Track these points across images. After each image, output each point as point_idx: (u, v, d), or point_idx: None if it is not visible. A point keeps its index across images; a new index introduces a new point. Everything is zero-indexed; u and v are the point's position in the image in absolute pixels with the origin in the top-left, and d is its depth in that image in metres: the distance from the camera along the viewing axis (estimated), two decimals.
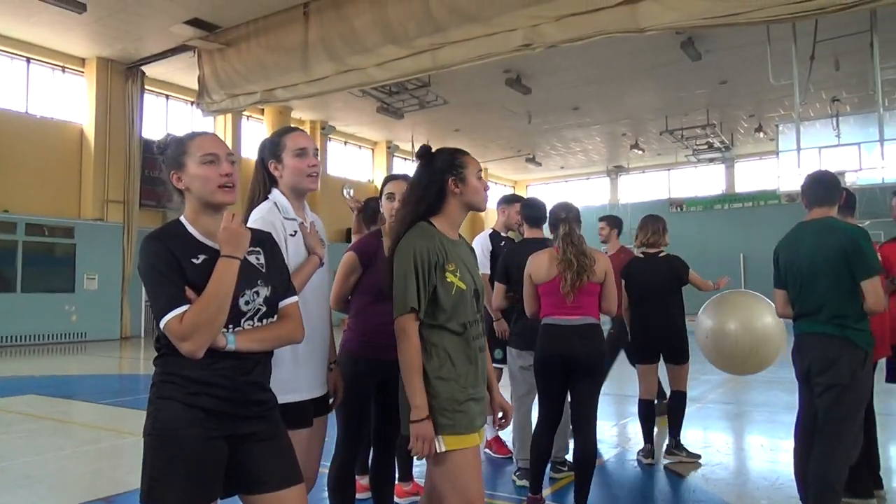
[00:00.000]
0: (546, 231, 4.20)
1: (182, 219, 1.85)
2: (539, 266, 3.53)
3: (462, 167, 2.27)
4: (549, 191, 29.06)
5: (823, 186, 3.18)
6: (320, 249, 2.39)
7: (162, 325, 1.68)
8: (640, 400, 4.69)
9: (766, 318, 4.27)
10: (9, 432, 5.62)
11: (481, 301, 2.32)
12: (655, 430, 4.73)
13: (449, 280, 2.17)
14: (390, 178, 3.04)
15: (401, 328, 2.15)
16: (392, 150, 23.37)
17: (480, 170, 2.33)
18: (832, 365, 2.94)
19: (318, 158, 2.46)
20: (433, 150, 2.34)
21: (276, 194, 2.37)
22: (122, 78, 15.16)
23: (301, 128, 2.87)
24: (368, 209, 3.70)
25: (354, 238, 4.31)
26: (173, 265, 1.72)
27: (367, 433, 2.90)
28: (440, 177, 2.26)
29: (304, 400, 2.29)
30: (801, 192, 3.25)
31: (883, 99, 11.26)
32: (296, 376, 2.25)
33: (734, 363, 4.47)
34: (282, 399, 1.96)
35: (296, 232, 2.34)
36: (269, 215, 2.29)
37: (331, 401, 2.51)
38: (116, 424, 5.98)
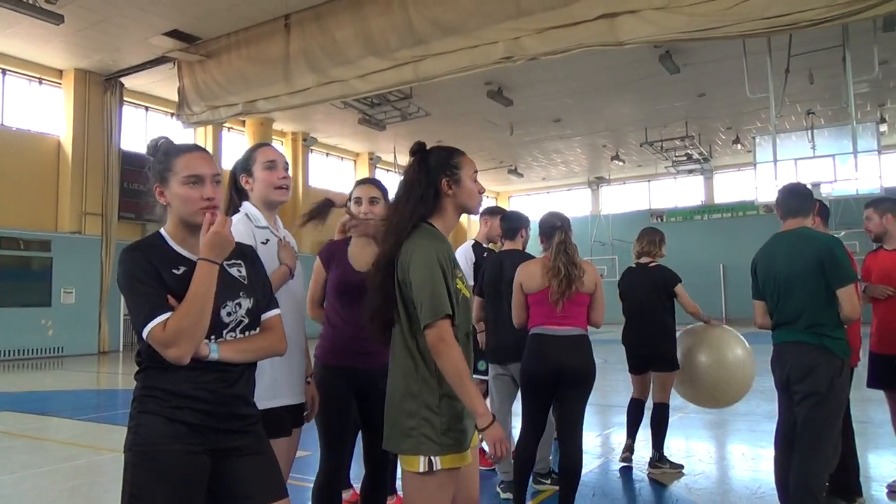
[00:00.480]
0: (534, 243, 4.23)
1: (162, 231, 1.84)
2: (531, 275, 3.51)
3: (457, 168, 2.15)
4: (532, 202, 29.22)
5: (797, 198, 3.24)
6: (290, 261, 2.41)
7: (145, 333, 1.66)
8: (631, 398, 4.82)
9: (736, 350, 4.40)
10: None
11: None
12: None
13: (458, 286, 2.05)
14: (359, 182, 2.93)
15: (438, 337, 1.94)
16: (374, 161, 23.38)
17: (476, 171, 2.21)
18: (810, 373, 2.97)
19: (290, 173, 2.50)
20: (427, 147, 2.22)
21: (247, 206, 2.43)
22: (101, 89, 15.02)
23: (273, 143, 2.89)
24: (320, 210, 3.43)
25: None
26: (153, 275, 1.71)
27: (351, 446, 2.86)
28: (434, 176, 2.13)
29: (281, 407, 2.30)
30: (776, 203, 3.31)
31: (856, 112, 11.48)
32: (272, 383, 2.25)
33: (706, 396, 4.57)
34: (259, 406, 1.95)
35: (268, 240, 2.37)
36: (239, 224, 2.32)
37: (305, 413, 2.50)
38: (93, 441, 5.87)
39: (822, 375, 2.96)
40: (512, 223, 4.25)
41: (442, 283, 1.99)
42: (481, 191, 2.21)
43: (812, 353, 2.99)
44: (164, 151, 1.83)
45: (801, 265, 3.04)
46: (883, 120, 17.42)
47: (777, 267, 3.15)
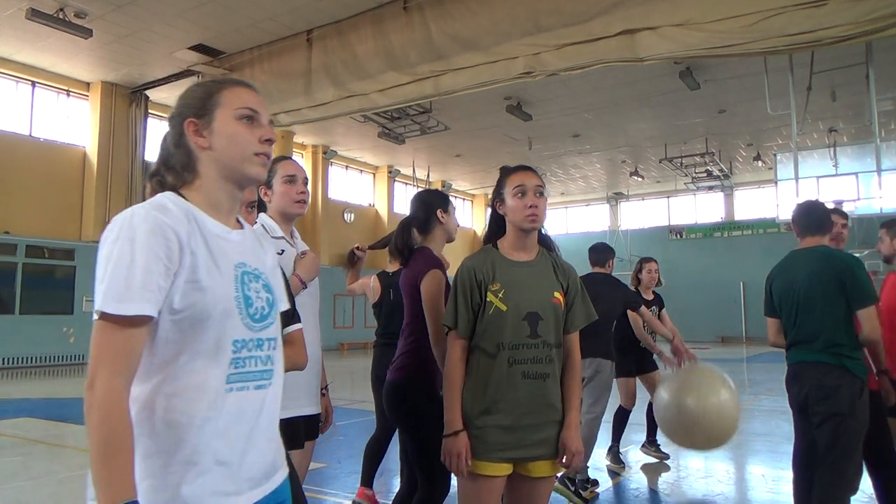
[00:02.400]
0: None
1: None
2: None
3: (502, 186, 2.26)
4: (550, 217, 29.11)
5: (815, 216, 3.21)
6: (306, 273, 2.43)
7: None
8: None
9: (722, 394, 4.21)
10: (1, 456, 5.57)
11: (543, 325, 2.14)
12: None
13: (489, 300, 2.14)
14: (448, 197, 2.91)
15: (444, 345, 2.24)
16: (393, 174, 23.50)
17: (521, 185, 2.18)
18: (832, 394, 2.92)
19: (308, 187, 2.53)
20: (505, 169, 2.35)
21: (262, 217, 2.47)
22: (126, 102, 15.31)
23: (293, 155, 2.92)
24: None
25: (354, 285, 4.35)
26: None
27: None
28: (492, 200, 2.32)
29: (296, 418, 2.30)
30: (792, 221, 3.28)
31: (879, 130, 11.35)
32: (287, 394, 2.26)
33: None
34: None
35: (283, 251, 2.40)
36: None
37: (320, 425, 2.52)
38: None
39: (844, 396, 2.90)
40: (600, 254, 4.87)
41: (453, 297, 2.17)
42: (530, 205, 2.17)
43: (833, 374, 2.94)
44: None
45: (822, 284, 3.00)
46: None
47: (796, 285, 3.10)
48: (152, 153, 15.66)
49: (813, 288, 3.03)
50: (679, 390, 4.12)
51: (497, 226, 2.29)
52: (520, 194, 2.17)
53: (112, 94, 15.16)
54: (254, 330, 1.27)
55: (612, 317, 4.63)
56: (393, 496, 2.89)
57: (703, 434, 4.09)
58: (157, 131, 16.58)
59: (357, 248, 3.77)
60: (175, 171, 1.33)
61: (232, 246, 1.29)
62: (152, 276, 1.14)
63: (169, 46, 12.63)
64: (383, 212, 23.37)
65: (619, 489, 4.68)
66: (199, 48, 12.54)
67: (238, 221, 1.39)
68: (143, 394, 1.16)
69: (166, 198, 1.26)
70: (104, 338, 1.13)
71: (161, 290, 1.15)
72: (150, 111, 15.75)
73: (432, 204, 2.80)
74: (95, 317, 1.15)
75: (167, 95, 15.66)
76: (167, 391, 1.17)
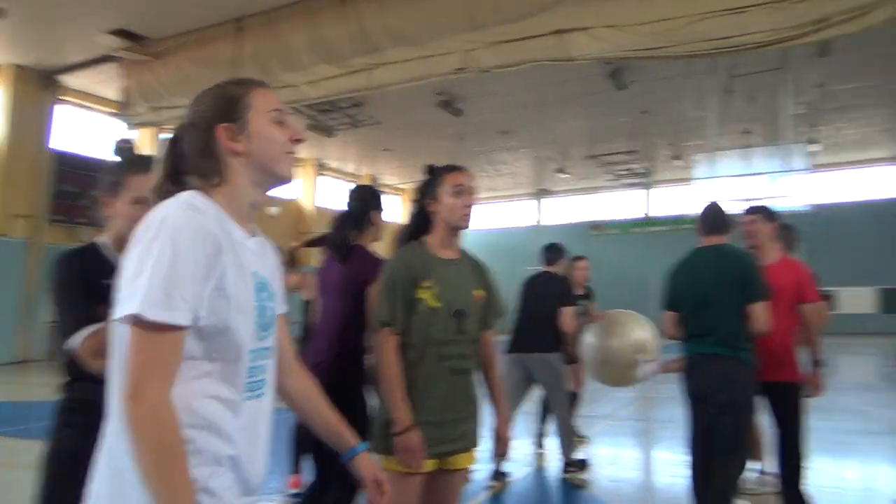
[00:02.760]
0: None
1: (97, 241, 1.83)
2: None
3: (435, 184, 2.22)
4: (477, 212, 29.30)
5: (717, 216, 3.40)
6: None
7: (72, 345, 1.62)
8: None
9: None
10: None
11: (468, 321, 2.19)
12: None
13: (420, 296, 2.12)
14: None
15: (377, 342, 2.14)
16: (321, 167, 23.11)
17: (461, 184, 2.21)
18: (730, 385, 3.12)
19: None
20: (436, 167, 2.30)
21: None
22: (37, 87, 14.38)
23: None
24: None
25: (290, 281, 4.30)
26: (82, 287, 1.69)
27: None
28: (420, 196, 2.27)
29: None
30: (697, 220, 3.47)
31: (790, 132, 12.02)
32: None
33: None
34: None
35: None
36: None
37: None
38: (7, 456, 5.54)
39: (741, 386, 3.12)
40: (551, 254, 5.20)
41: (385, 294, 2.13)
42: (466, 204, 2.21)
43: (730, 366, 3.13)
44: (118, 167, 1.88)
45: (724, 281, 3.19)
46: (815, 141, 18.23)
47: (700, 280, 3.28)
48: (65, 141, 14.86)
49: (716, 284, 3.22)
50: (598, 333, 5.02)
51: (421, 222, 2.27)
52: (458, 194, 2.20)
53: (22, 78, 14.18)
54: (259, 339, 1.25)
55: (553, 312, 4.78)
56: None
57: (609, 373, 4.89)
58: (69, 118, 15.72)
59: (293, 247, 3.74)
60: (200, 175, 1.29)
61: (249, 254, 1.28)
62: (189, 283, 1.11)
63: (88, 30, 11.95)
64: (307, 205, 22.92)
65: (529, 478, 4.80)
66: (120, 33, 11.94)
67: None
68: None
69: (195, 198, 1.21)
70: (149, 346, 1.08)
71: (197, 297, 1.12)
72: (64, 97, 14.89)
73: (369, 202, 2.87)
74: (123, 319, 1.09)
75: (86, 81, 14.85)
76: (191, 398, 1.13)
